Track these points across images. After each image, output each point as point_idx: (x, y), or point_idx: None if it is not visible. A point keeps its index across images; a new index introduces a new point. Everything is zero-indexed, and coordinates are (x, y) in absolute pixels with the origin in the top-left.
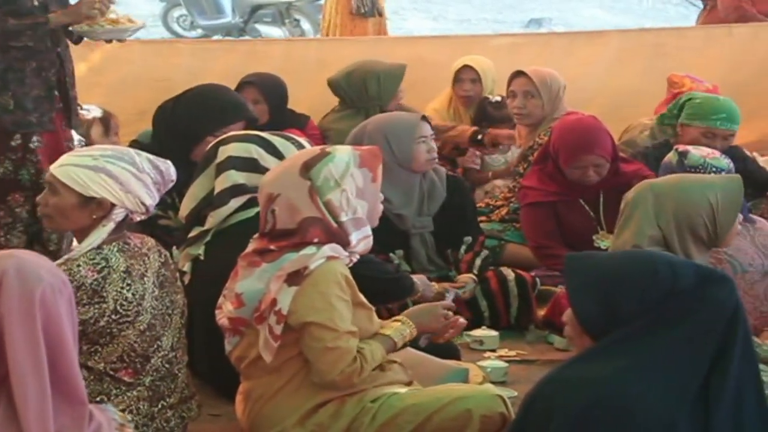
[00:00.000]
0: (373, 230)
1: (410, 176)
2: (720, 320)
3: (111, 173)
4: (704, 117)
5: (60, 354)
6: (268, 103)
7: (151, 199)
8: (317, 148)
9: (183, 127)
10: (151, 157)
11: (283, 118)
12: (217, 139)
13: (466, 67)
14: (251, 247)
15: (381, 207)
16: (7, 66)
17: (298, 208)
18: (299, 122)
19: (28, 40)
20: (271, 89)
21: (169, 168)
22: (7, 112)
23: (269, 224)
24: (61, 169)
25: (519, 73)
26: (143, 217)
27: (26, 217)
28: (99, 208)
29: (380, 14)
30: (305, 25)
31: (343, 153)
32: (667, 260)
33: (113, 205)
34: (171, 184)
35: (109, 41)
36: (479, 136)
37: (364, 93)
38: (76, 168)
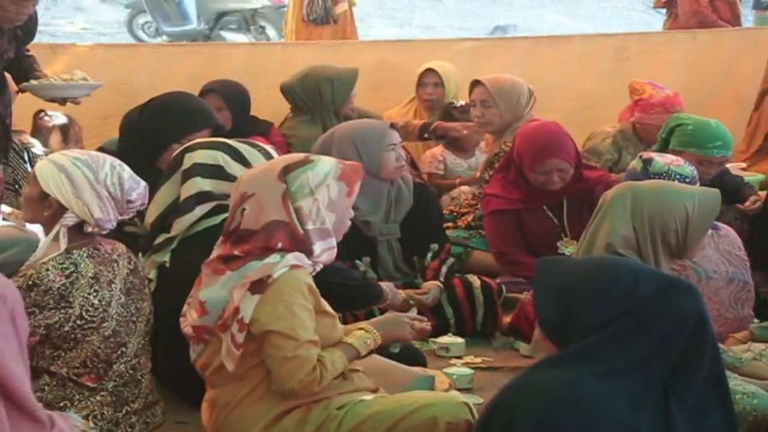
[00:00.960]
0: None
1: (378, 183)
2: (682, 330)
3: (70, 176)
4: (699, 145)
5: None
6: (230, 111)
7: (102, 213)
8: (302, 155)
9: (149, 134)
10: (126, 176)
11: (246, 126)
12: (183, 146)
13: (429, 70)
14: (215, 253)
15: (349, 223)
16: None
17: (267, 210)
18: (263, 129)
19: None
20: (233, 96)
21: (139, 191)
22: None
23: (235, 222)
24: (41, 162)
25: (477, 82)
26: (96, 230)
27: None
28: (51, 207)
29: (335, 21)
30: (270, 31)
31: (325, 163)
32: (631, 269)
33: (65, 209)
34: (136, 207)
35: (63, 102)
36: (428, 130)
37: (318, 98)
38: (49, 163)
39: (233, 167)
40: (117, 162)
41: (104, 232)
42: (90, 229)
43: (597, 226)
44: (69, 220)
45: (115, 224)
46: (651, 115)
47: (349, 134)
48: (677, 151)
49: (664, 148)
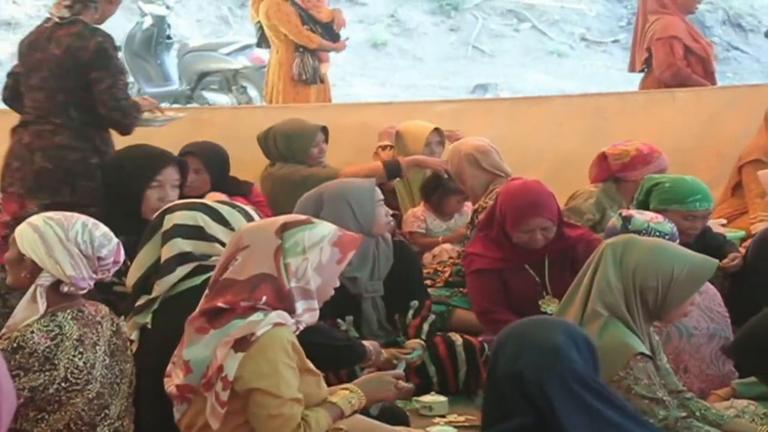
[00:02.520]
0: None
1: (367, 240)
2: None
3: (43, 235)
4: (681, 200)
5: None
6: (209, 172)
7: (75, 271)
8: (303, 217)
9: (119, 189)
10: (98, 233)
11: (226, 186)
12: (163, 208)
13: (436, 130)
14: (200, 305)
15: (332, 291)
16: None
17: (257, 262)
18: (243, 189)
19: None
20: (211, 157)
21: (110, 248)
22: None
23: (224, 273)
24: (20, 225)
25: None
26: (73, 290)
27: None
28: (27, 268)
29: (322, 81)
30: (252, 91)
31: (324, 227)
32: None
33: (40, 269)
34: (109, 265)
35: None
36: (397, 167)
37: (277, 150)
38: (25, 225)
39: (213, 228)
40: (91, 221)
41: (82, 292)
42: (66, 289)
43: (591, 273)
44: (44, 279)
45: (91, 283)
46: (633, 171)
47: (341, 193)
48: (660, 210)
49: (643, 210)
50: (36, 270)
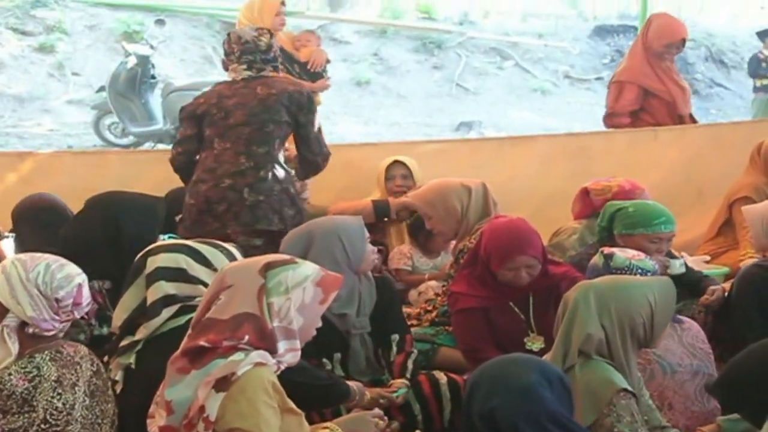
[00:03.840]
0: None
1: (353, 277)
2: None
3: (8, 276)
4: (646, 224)
5: None
6: None
7: (35, 313)
8: (287, 257)
9: (131, 240)
10: (60, 275)
11: None
12: (145, 250)
13: (396, 162)
14: (183, 345)
15: (314, 332)
16: None
17: (241, 301)
18: None
19: None
20: None
21: (68, 290)
22: None
23: (207, 313)
24: None
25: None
26: (38, 331)
27: None
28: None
29: None
30: None
31: (308, 267)
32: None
33: (7, 309)
34: (69, 307)
35: None
36: (387, 207)
37: None
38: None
39: (196, 269)
40: (60, 262)
41: (48, 333)
42: (31, 330)
43: (567, 331)
44: (10, 320)
45: (57, 325)
46: None
47: (332, 229)
48: (625, 235)
49: (607, 236)
50: (3, 311)
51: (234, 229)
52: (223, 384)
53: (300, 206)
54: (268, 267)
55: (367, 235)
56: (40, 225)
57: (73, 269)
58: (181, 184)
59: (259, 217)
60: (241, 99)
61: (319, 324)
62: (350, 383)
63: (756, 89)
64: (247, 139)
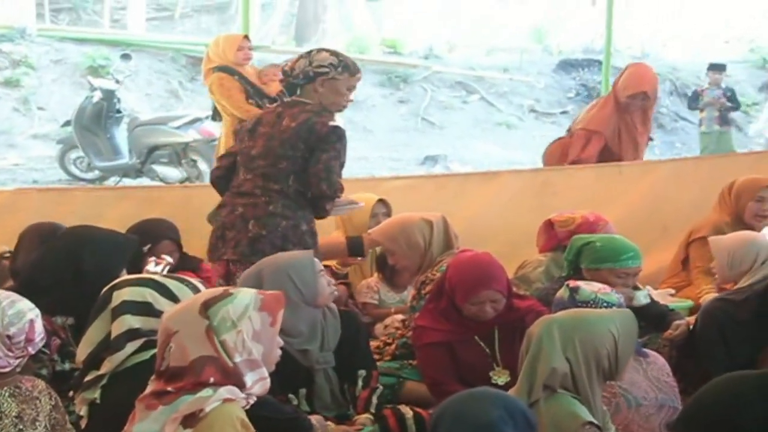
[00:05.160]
0: (277, 369)
1: (313, 311)
2: None
3: None
4: (613, 259)
5: None
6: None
7: None
8: (220, 289)
9: (94, 274)
10: (12, 311)
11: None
12: (111, 284)
13: (379, 201)
14: (149, 389)
15: (278, 352)
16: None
17: (193, 346)
18: (192, 265)
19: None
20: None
21: (19, 326)
22: None
23: (165, 362)
24: None
25: None
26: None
27: None
28: None
29: None
30: (202, 165)
31: (245, 295)
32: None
33: None
34: (22, 343)
35: None
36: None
37: None
38: None
39: (162, 303)
40: (11, 298)
41: (4, 371)
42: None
43: (531, 365)
44: None
45: (11, 361)
46: None
47: (280, 267)
48: (592, 270)
49: (574, 270)
50: None
51: (234, 258)
52: (190, 420)
53: (309, 244)
54: (207, 306)
55: (320, 268)
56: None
57: (24, 305)
58: (144, 217)
59: (256, 250)
60: (269, 128)
61: (281, 343)
62: (312, 418)
63: (700, 123)
64: (263, 173)
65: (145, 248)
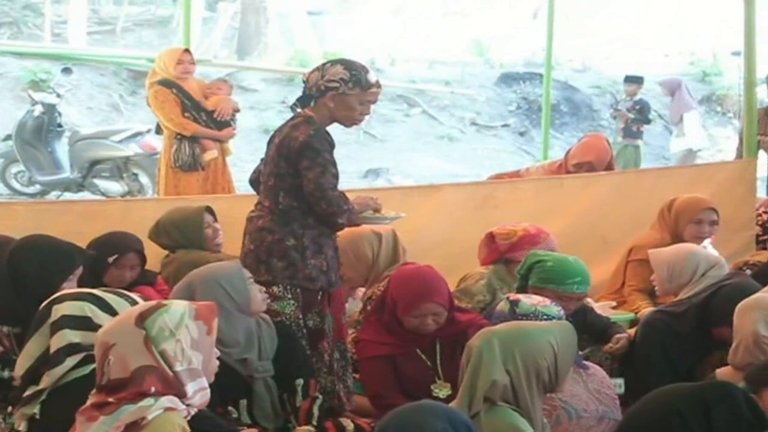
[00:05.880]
0: (216, 380)
1: (247, 320)
2: None
3: None
4: (559, 281)
5: None
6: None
7: None
8: (153, 302)
9: (32, 281)
10: None
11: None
12: (50, 298)
13: None
14: (89, 402)
15: (216, 362)
16: (320, 233)
17: (133, 357)
18: (149, 279)
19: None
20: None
21: None
22: (322, 273)
23: (105, 376)
24: None
25: None
26: None
27: (328, 360)
28: None
29: (203, 168)
30: (143, 179)
31: (178, 305)
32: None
33: None
34: None
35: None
36: None
37: (173, 241)
38: None
39: (101, 318)
40: None
41: None
42: None
43: (472, 378)
44: None
45: None
46: (521, 251)
47: (210, 276)
48: (537, 288)
49: (524, 285)
50: None
51: None
52: (133, 429)
53: (294, 258)
54: (142, 318)
55: (249, 275)
56: None
57: None
58: (85, 231)
59: (246, 264)
60: (272, 144)
61: (218, 353)
62: (248, 431)
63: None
64: (262, 188)
65: (111, 259)
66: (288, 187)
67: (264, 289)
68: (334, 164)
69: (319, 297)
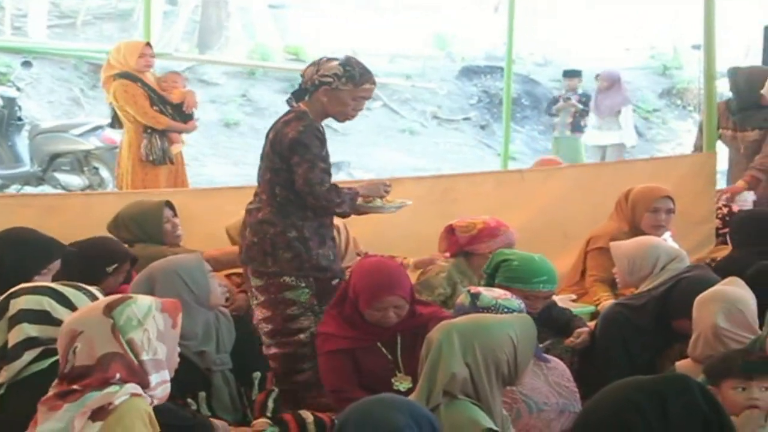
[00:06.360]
0: (175, 373)
1: (206, 313)
2: None
3: None
4: (525, 280)
5: None
6: None
7: None
8: (120, 295)
9: (5, 271)
10: None
11: None
12: (7, 292)
13: None
14: (52, 392)
15: (177, 358)
16: (320, 224)
17: (99, 344)
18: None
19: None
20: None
21: None
22: (331, 262)
23: (69, 364)
24: None
25: None
26: None
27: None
28: None
29: (172, 162)
30: (104, 172)
31: (145, 299)
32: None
33: None
34: None
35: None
36: None
37: (132, 235)
38: None
39: (59, 312)
40: None
41: None
42: None
43: (431, 371)
44: None
45: None
46: (481, 244)
47: (170, 268)
48: (503, 287)
49: (490, 284)
50: None
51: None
52: (100, 414)
53: (299, 250)
54: (110, 307)
55: (209, 268)
56: None
57: None
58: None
59: (252, 257)
60: (267, 141)
61: (179, 350)
62: (215, 422)
63: (554, 128)
64: (260, 182)
65: (110, 269)
66: (283, 182)
67: (224, 282)
68: (324, 159)
69: (333, 284)
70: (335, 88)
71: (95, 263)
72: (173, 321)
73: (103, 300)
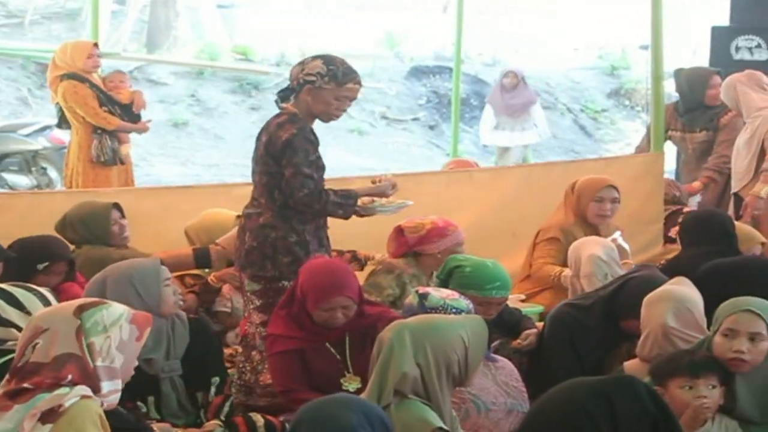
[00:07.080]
0: None
1: (158, 320)
2: None
3: None
4: (478, 287)
5: None
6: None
7: None
8: (96, 299)
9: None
10: None
11: None
12: None
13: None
14: (2, 390)
15: (132, 371)
16: (317, 227)
17: (60, 343)
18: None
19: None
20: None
21: None
22: None
23: (25, 358)
24: None
25: None
26: None
27: None
28: None
29: (122, 162)
30: (52, 173)
31: (118, 307)
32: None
33: None
34: None
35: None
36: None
37: (78, 236)
38: None
39: (8, 312)
40: None
41: None
42: None
43: (382, 371)
44: None
45: None
46: (430, 245)
47: (123, 274)
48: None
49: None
50: None
51: (239, 265)
52: (50, 416)
53: (299, 254)
54: (82, 309)
55: (166, 276)
56: None
57: None
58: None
59: (252, 261)
60: (260, 142)
61: (136, 363)
62: (157, 425)
63: None
64: (256, 186)
65: (41, 266)
66: (280, 185)
67: (180, 290)
68: (309, 164)
69: None
70: (318, 87)
71: (26, 260)
72: (140, 333)
73: (78, 301)
